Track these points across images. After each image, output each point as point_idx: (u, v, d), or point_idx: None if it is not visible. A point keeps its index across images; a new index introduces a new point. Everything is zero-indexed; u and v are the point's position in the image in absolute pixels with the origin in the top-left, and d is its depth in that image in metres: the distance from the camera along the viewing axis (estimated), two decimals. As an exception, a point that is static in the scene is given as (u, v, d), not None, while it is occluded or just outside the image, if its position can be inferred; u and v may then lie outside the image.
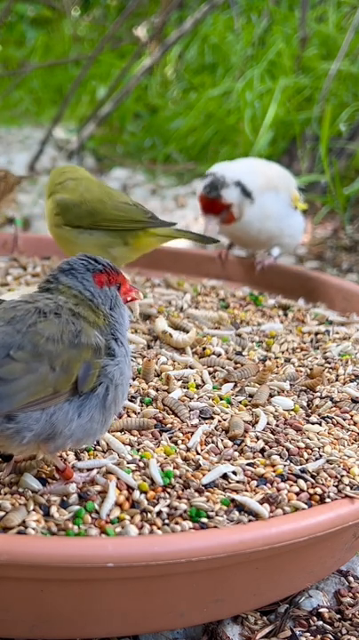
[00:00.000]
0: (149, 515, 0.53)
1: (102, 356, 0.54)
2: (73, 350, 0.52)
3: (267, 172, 1.09)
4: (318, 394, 0.73)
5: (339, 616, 0.60)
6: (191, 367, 0.75)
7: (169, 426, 0.64)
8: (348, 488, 0.58)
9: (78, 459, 0.58)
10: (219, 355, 0.79)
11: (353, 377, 0.76)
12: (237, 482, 0.57)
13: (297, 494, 0.57)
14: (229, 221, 1.05)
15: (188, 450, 0.61)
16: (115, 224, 0.86)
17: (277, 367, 0.78)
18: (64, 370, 0.51)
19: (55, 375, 0.50)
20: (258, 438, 0.63)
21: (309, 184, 1.70)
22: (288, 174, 1.13)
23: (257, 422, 0.66)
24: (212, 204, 1.03)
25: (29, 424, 0.50)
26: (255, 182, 1.05)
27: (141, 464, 0.57)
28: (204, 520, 0.53)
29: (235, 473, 0.58)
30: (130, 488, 0.55)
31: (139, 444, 0.60)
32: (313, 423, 0.67)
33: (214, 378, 0.74)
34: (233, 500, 0.55)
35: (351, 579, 0.65)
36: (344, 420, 0.69)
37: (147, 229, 0.87)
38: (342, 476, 0.60)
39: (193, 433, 0.63)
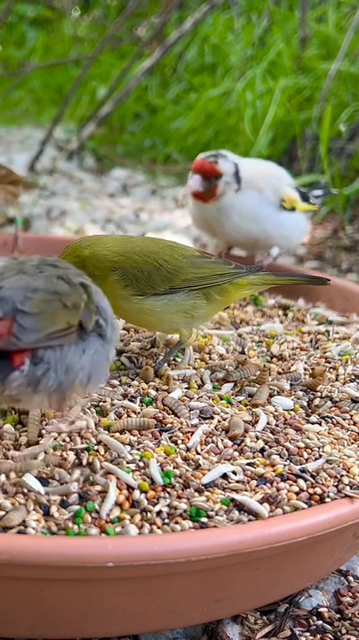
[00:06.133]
0: (149, 514, 0.53)
1: (89, 294, 0.59)
2: (73, 290, 0.58)
3: (253, 170, 1.10)
4: (318, 394, 0.73)
5: (338, 616, 0.61)
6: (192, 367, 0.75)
7: (169, 426, 0.64)
8: (348, 488, 0.58)
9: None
10: (219, 355, 0.79)
11: (353, 377, 0.76)
12: (237, 481, 0.58)
13: (297, 494, 0.57)
14: (209, 196, 1.07)
15: (188, 450, 0.61)
16: (199, 282, 0.74)
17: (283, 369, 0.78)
18: (73, 306, 0.56)
19: (67, 310, 0.56)
20: (258, 438, 0.64)
21: (309, 184, 1.70)
22: (280, 175, 1.13)
23: (257, 422, 0.66)
24: (206, 165, 1.06)
25: (52, 364, 0.54)
26: (245, 175, 1.08)
27: (141, 464, 0.57)
28: (204, 520, 0.53)
29: (234, 473, 0.58)
30: (130, 488, 0.55)
31: (139, 444, 0.60)
32: (313, 423, 0.68)
33: (214, 378, 0.74)
34: (233, 500, 0.55)
35: (351, 578, 0.65)
36: (344, 419, 0.69)
37: (234, 281, 0.76)
38: (342, 475, 0.60)
39: (193, 433, 0.63)
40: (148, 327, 0.78)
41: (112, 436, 0.60)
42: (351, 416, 0.70)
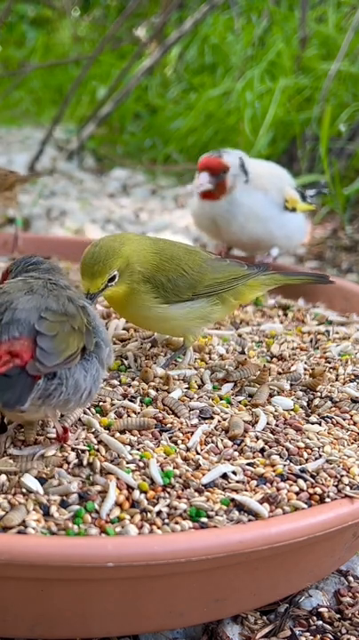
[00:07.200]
0: (149, 514, 0.53)
1: (88, 315, 0.60)
2: (78, 313, 0.58)
3: (257, 170, 1.10)
4: (318, 394, 0.73)
5: (338, 616, 0.61)
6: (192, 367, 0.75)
7: (169, 426, 0.64)
8: (348, 488, 0.58)
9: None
10: (219, 355, 0.79)
11: (352, 377, 0.76)
12: (237, 481, 0.58)
13: (297, 494, 0.57)
14: (220, 192, 1.07)
15: (188, 450, 0.61)
16: (218, 287, 0.74)
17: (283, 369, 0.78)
18: (79, 329, 0.57)
19: (75, 334, 0.56)
20: (257, 438, 0.64)
21: (309, 184, 1.70)
22: (282, 175, 1.13)
23: (257, 422, 0.66)
24: (211, 161, 1.06)
25: (64, 380, 0.55)
26: (251, 171, 1.08)
27: (141, 464, 0.57)
28: (204, 520, 0.53)
29: (234, 473, 0.58)
30: (130, 488, 0.55)
31: (139, 444, 0.60)
32: (313, 423, 0.68)
33: (214, 378, 0.74)
34: (233, 500, 0.55)
35: (351, 578, 0.65)
36: (344, 419, 0.69)
37: (247, 282, 0.76)
38: (342, 475, 0.60)
39: (193, 433, 0.63)
40: (161, 332, 0.77)
41: (112, 436, 0.61)
42: (351, 416, 0.70)
